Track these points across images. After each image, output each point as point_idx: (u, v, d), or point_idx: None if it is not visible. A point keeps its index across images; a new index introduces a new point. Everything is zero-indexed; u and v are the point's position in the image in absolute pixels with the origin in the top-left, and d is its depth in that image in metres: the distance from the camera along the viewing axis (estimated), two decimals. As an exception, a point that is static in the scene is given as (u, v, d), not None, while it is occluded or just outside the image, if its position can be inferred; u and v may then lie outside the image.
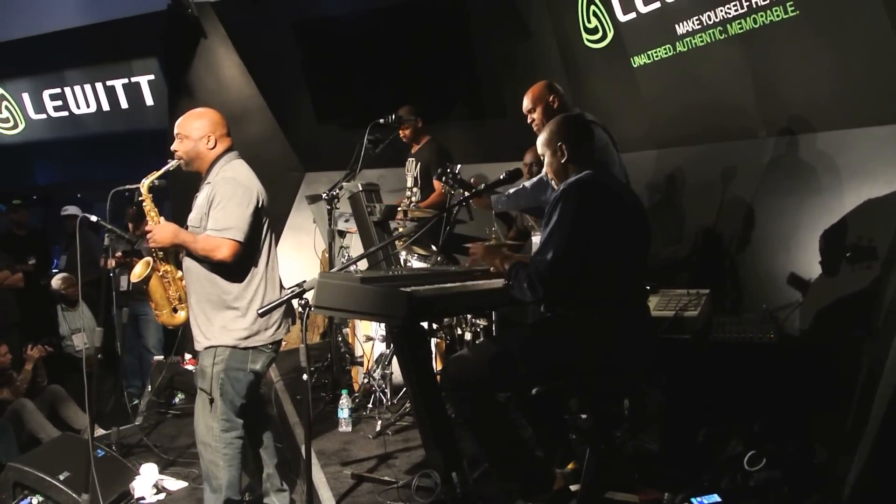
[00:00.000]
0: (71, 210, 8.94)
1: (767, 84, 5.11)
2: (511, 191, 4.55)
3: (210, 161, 3.90)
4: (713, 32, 5.19)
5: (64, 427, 6.05)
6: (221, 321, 3.79)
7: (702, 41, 5.31)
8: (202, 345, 3.84)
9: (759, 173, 5.33)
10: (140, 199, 3.97)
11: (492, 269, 3.51)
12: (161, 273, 4.01)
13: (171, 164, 3.95)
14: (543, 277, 3.15)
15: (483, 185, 4.05)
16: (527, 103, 4.51)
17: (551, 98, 4.45)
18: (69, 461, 4.53)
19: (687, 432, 4.16)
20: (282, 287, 3.99)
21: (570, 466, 3.74)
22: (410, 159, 6.59)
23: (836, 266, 4.52)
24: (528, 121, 4.52)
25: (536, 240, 4.98)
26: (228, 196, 3.74)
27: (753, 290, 5.21)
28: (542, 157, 3.49)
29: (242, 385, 3.85)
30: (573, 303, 3.25)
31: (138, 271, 4.00)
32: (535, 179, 4.46)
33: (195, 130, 3.89)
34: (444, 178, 4.79)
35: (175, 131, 3.94)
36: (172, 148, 3.93)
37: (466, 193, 4.45)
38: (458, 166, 4.84)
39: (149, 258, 3.99)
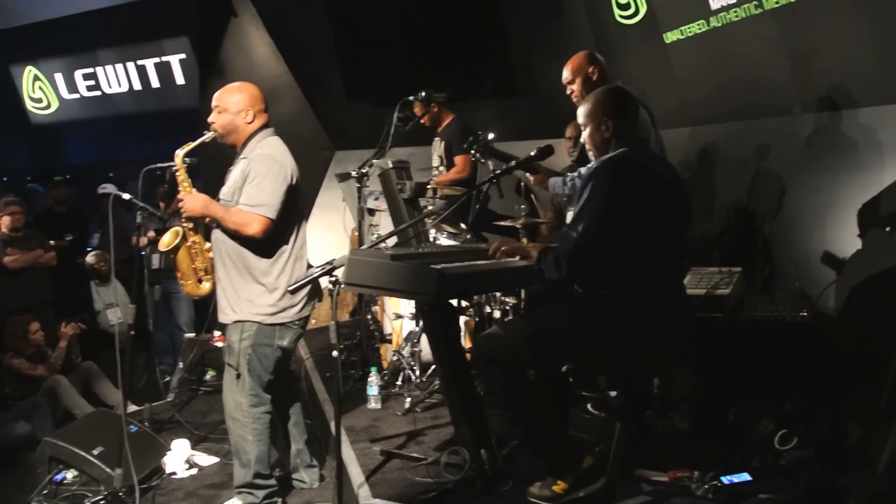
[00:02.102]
0: (108, 188, 9.01)
1: (804, 59, 5.02)
2: (569, 175, 4.50)
3: (247, 135, 3.91)
4: (748, 7, 5.11)
5: (97, 403, 6.14)
6: (248, 294, 3.82)
7: (737, 16, 5.23)
8: (229, 318, 3.87)
9: (795, 150, 5.25)
10: (174, 168, 3.99)
11: (520, 258, 3.47)
12: (189, 244, 4.04)
13: (207, 135, 3.96)
14: (570, 256, 3.12)
15: (514, 162, 3.99)
16: (566, 74, 4.42)
17: (591, 69, 4.35)
18: (103, 436, 4.60)
19: (718, 411, 4.13)
20: (309, 266, 4.00)
21: None
22: (436, 138, 6.57)
23: (872, 244, 4.45)
24: (567, 92, 4.43)
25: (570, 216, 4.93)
26: (263, 172, 3.75)
27: (787, 269, 5.15)
28: (582, 128, 3.43)
29: (270, 361, 3.88)
30: (605, 281, 3.21)
31: (167, 240, 4.03)
32: (591, 165, 4.40)
33: (234, 104, 3.89)
34: (473, 148, 4.73)
35: (213, 103, 3.94)
36: (209, 120, 3.94)
37: (492, 165, 4.40)
38: (491, 135, 4.76)
39: (178, 228, 4.02)
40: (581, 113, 3.41)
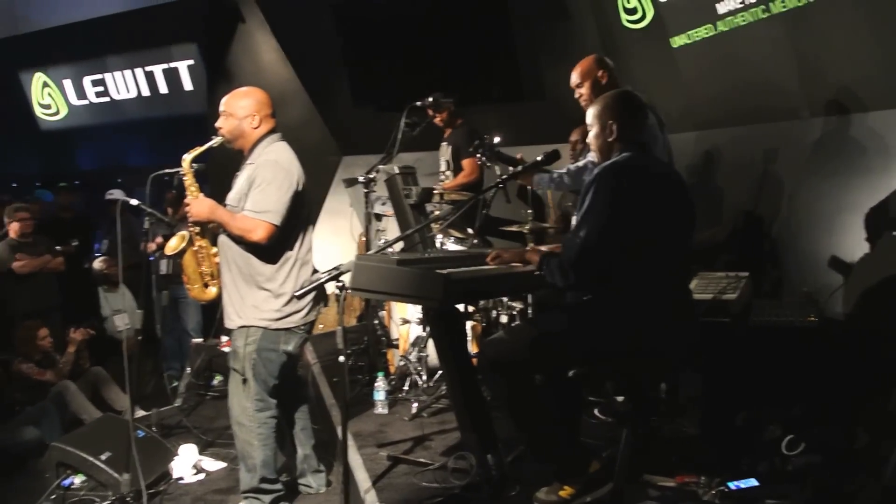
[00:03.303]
0: (115, 194, 9.03)
1: (811, 64, 5.01)
2: (556, 172, 4.50)
3: (253, 140, 3.92)
4: (755, 11, 5.11)
5: (105, 408, 6.16)
6: (253, 300, 3.83)
7: (744, 20, 5.22)
8: (235, 323, 3.88)
9: (802, 154, 5.23)
10: (182, 174, 4.00)
11: (520, 264, 3.48)
12: (196, 248, 4.05)
13: (214, 140, 3.97)
14: (574, 262, 3.12)
15: (521, 166, 3.99)
16: (575, 78, 4.41)
17: (600, 73, 4.34)
18: (111, 441, 4.60)
19: (725, 416, 4.12)
20: (315, 271, 4.00)
21: None
22: (443, 143, 6.58)
23: (880, 249, 4.43)
24: (576, 96, 4.43)
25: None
26: (269, 179, 3.76)
27: (794, 273, 5.14)
28: (589, 129, 3.43)
29: (275, 365, 3.89)
30: (610, 286, 3.20)
31: (174, 244, 4.06)
32: (580, 163, 4.40)
33: (241, 109, 3.90)
34: (480, 151, 4.73)
35: (221, 108, 3.95)
36: (217, 125, 3.96)
37: (498, 170, 4.39)
38: (497, 138, 4.77)
39: (185, 232, 4.03)
40: (589, 114, 3.42)
